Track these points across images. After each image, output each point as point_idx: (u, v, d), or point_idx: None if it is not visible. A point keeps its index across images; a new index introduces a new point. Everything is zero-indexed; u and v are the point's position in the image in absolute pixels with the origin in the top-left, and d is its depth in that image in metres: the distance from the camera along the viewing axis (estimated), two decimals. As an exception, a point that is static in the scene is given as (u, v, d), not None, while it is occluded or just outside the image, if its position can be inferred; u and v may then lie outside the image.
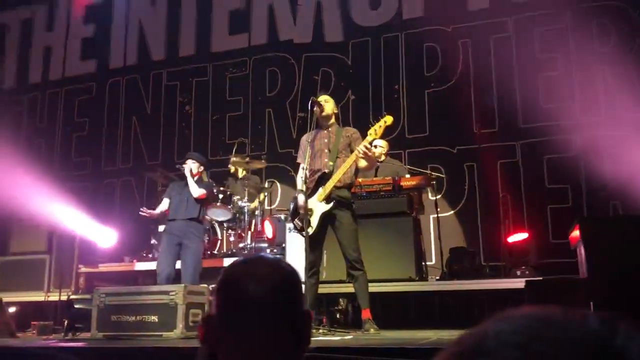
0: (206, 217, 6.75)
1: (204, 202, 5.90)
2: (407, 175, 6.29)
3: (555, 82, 6.96)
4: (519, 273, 5.70)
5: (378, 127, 4.65)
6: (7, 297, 6.20)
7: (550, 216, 6.81)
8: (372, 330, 4.44)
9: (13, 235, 7.59)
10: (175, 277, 5.54)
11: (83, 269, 7.15)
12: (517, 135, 7.15)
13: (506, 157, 7.15)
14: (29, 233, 7.54)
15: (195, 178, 5.89)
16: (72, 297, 5.38)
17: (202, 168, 6.00)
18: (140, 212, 5.88)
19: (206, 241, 6.11)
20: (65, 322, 5.11)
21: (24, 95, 10.16)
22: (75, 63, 9.91)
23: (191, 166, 5.89)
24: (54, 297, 6.78)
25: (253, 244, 6.70)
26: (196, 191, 5.76)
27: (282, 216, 6.93)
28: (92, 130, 9.52)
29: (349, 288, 5.12)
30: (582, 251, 3.50)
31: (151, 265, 6.87)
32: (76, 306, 5.13)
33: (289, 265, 1.13)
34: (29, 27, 10.37)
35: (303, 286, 1.15)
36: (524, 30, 7.33)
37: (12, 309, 6.11)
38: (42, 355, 3.69)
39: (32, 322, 5.82)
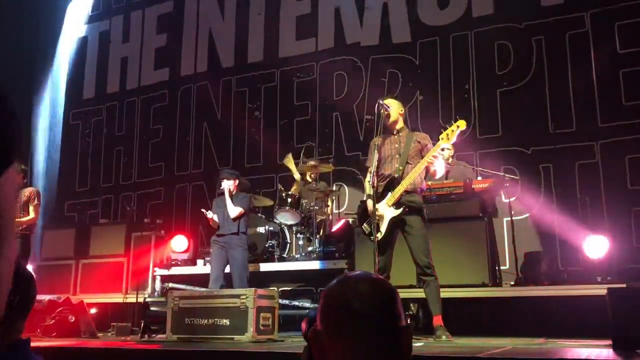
0: (275, 220, 6.85)
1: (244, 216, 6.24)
2: (479, 178, 6.12)
3: (639, 78, 6.59)
4: (599, 279, 5.42)
5: (450, 132, 4.54)
6: (88, 299, 6.48)
7: (633, 219, 6.46)
8: (444, 337, 4.34)
9: (92, 238, 7.91)
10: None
11: (158, 272, 7.38)
12: (596, 135, 6.83)
13: (584, 157, 6.84)
14: (108, 236, 7.85)
15: (235, 192, 6.27)
16: (148, 299, 5.54)
17: (237, 181, 6.37)
18: (203, 211, 6.27)
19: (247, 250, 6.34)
20: (142, 324, 5.27)
21: (102, 105, 10.63)
22: (150, 72, 10.27)
23: (228, 185, 6.26)
24: (131, 299, 7.03)
25: (322, 248, 6.72)
26: (233, 212, 6.14)
27: (351, 220, 6.91)
28: (166, 137, 9.84)
29: (419, 293, 5.03)
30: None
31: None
32: (152, 308, 5.29)
33: (388, 282, 1.21)
34: (106, 39, 10.85)
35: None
36: (603, 25, 6.99)
37: (92, 310, 6.37)
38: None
39: (112, 323, 6.05)
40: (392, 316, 1.13)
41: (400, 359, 1.14)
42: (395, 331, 1.13)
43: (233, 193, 6.28)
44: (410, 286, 5.35)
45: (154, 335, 5.13)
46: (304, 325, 1.32)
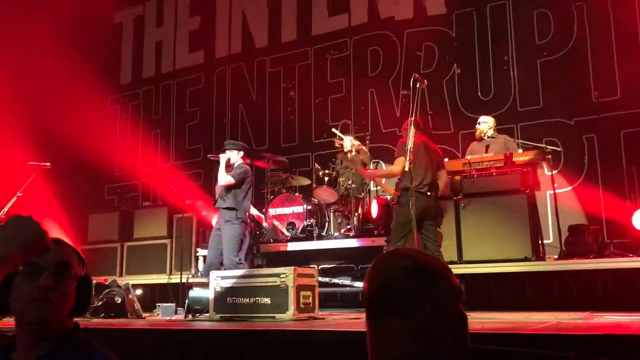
0: (313, 199, 6.84)
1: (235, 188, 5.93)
2: (520, 151, 5.99)
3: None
4: (648, 251, 5.26)
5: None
6: (133, 280, 6.63)
7: (683, 189, 6.23)
8: None
9: (136, 221, 8.09)
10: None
11: (200, 252, 7.49)
12: (642, 102, 6.59)
13: (630, 126, 6.62)
14: (151, 219, 8.01)
15: (237, 164, 6.00)
16: (191, 280, 5.63)
17: (241, 153, 6.11)
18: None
19: (243, 225, 5.95)
20: (186, 304, 5.37)
21: (139, 89, 10.77)
22: (184, 55, 10.34)
23: (229, 155, 6.01)
24: (175, 279, 7.17)
25: (360, 225, 6.70)
26: (222, 179, 5.88)
27: (388, 196, 6.86)
28: (202, 119, 9.92)
29: (459, 269, 4.99)
30: None
31: (264, 248, 7.07)
32: (195, 289, 5.37)
33: (427, 255, 1.25)
34: (140, 24, 10.94)
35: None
36: (649, -13, 6.70)
37: (138, 292, 6.52)
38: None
39: (157, 304, 6.18)
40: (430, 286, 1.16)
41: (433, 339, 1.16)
42: (421, 311, 1.15)
43: (235, 164, 5.99)
44: (450, 262, 5.31)
45: (197, 315, 5.22)
46: None
